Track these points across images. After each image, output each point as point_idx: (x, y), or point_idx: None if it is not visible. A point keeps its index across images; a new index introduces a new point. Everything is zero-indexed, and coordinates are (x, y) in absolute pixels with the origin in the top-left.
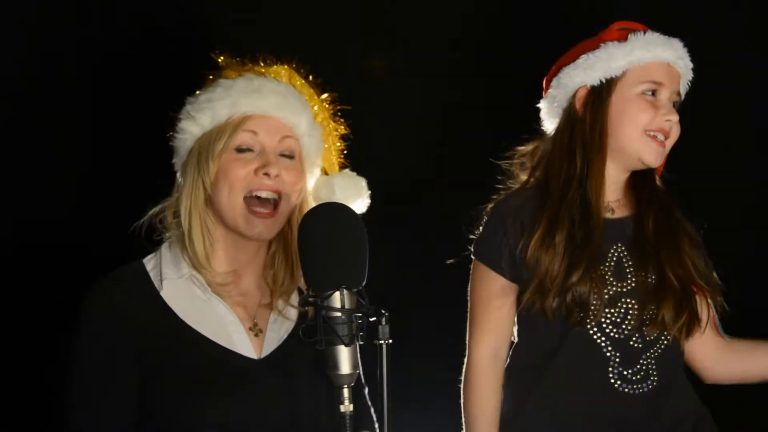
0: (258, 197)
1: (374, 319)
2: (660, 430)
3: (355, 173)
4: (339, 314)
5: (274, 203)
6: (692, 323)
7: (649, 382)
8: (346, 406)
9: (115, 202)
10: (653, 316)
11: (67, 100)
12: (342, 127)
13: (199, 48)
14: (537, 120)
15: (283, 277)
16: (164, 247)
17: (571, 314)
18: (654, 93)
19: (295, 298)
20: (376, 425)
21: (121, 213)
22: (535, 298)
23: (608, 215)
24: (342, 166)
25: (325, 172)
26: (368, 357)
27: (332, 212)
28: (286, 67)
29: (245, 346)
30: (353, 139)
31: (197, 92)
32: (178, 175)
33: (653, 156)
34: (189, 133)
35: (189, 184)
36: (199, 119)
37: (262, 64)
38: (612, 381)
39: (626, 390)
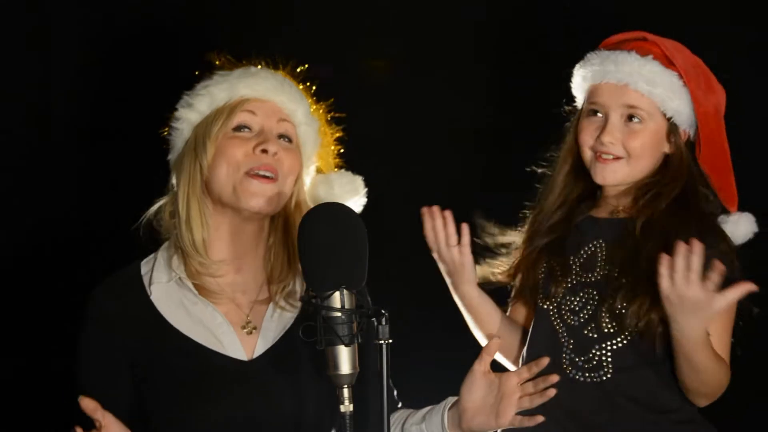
0: (257, 174)
1: (374, 319)
2: (611, 422)
3: (350, 173)
4: (339, 314)
5: (273, 180)
6: (658, 325)
7: (602, 372)
8: (346, 406)
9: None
10: (616, 310)
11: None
12: (338, 131)
13: (197, 49)
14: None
15: (280, 268)
16: (161, 250)
17: (531, 294)
18: (597, 113)
19: (294, 291)
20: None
21: (126, 212)
22: (505, 276)
23: (611, 215)
24: (339, 167)
25: (321, 172)
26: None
27: (332, 212)
28: (281, 71)
29: (235, 347)
30: (354, 138)
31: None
32: (173, 170)
33: (597, 175)
34: (186, 122)
35: (186, 170)
36: (196, 105)
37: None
38: (565, 366)
39: (578, 377)
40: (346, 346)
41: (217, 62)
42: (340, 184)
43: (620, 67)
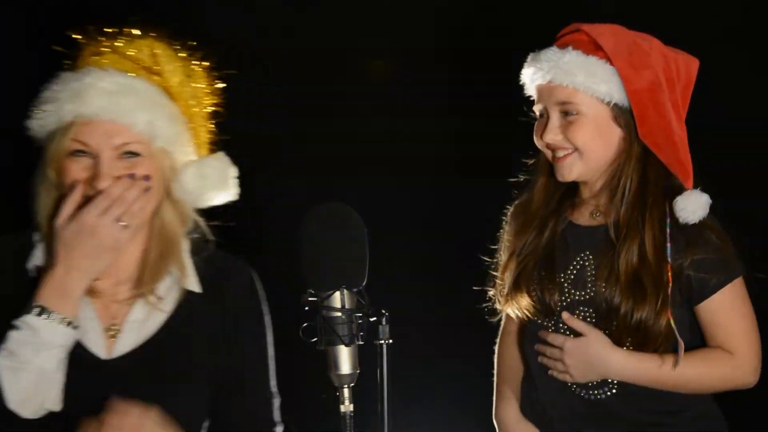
0: None
1: (374, 319)
2: (624, 429)
3: (224, 156)
4: (339, 314)
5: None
6: (645, 327)
7: (606, 389)
8: (347, 406)
9: None
10: (613, 326)
11: None
12: (215, 95)
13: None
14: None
15: (153, 269)
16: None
17: (527, 315)
18: (542, 114)
19: (165, 292)
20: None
21: None
22: (495, 298)
23: (587, 222)
24: (214, 148)
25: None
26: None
27: (332, 212)
28: (147, 40)
29: (97, 344)
30: (356, 138)
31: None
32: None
33: (557, 173)
34: (35, 132)
35: (40, 192)
36: (36, 121)
37: (121, 41)
38: (569, 384)
39: (582, 394)
40: (346, 346)
41: (80, 38)
42: (204, 173)
43: (543, 65)
